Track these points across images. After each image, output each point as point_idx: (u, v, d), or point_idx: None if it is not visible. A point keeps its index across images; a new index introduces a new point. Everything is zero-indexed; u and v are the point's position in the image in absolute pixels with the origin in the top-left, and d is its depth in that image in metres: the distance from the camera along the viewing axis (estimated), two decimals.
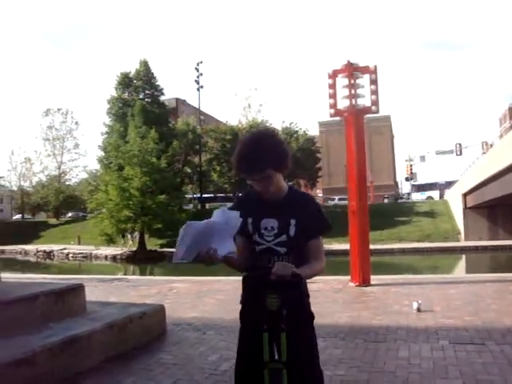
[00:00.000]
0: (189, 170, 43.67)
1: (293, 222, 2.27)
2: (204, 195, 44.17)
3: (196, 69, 42.45)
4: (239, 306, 2.41)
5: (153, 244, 35.03)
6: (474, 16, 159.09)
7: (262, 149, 2.19)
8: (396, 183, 79.80)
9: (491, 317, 6.12)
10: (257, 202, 2.32)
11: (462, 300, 7.34)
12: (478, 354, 4.55)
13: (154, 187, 31.66)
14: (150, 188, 31.59)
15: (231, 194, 42.98)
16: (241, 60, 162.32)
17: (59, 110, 55.01)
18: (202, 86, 42.81)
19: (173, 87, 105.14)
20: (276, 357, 2.10)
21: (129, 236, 34.26)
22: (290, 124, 43.78)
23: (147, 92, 41.89)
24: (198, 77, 42.46)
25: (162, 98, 43.09)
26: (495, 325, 5.67)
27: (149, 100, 41.18)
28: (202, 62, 42.85)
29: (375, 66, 9.88)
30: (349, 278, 9.61)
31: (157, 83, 42.30)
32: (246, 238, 2.32)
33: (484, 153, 31.82)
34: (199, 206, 43.42)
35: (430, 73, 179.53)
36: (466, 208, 33.19)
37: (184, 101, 60.85)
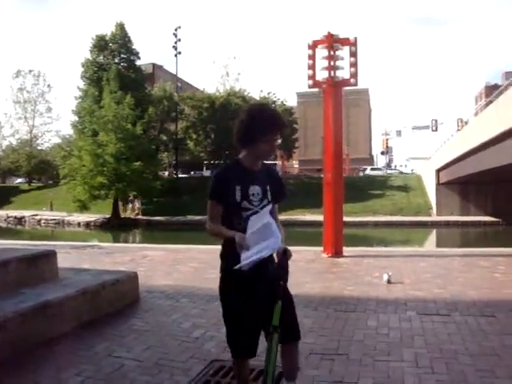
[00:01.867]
0: (164, 138, 43.19)
1: (269, 188, 2.64)
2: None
3: (174, 34, 41.66)
4: (213, 275, 2.50)
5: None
6: None
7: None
8: (371, 157, 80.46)
9: (458, 289, 6.30)
10: (243, 172, 2.58)
11: (431, 273, 7.52)
12: (443, 325, 4.71)
13: (129, 154, 31.31)
14: (124, 155, 31.24)
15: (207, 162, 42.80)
16: (220, 27, 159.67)
17: (31, 71, 53.35)
18: (179, 52, 42.11)
19: (150, 52, 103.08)
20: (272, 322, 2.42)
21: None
22: (268, 94, 43.38)
23: (123, 56, 40.90)
24: (175, 42, 41.70)
25: (139, 63, 42.18)
26: (461, 297, 5.85)
27: (125, 64, 40.28)
28: (180, 28, 42.06)
29: (355, 38, 9.82)
30: (321, 249, 9.73)
31: (133, 47, 41.35)
32: (231, 206, 2.54)
33: (459, 130, 32.27)
34: (174, 174, 43.25)
35: (411, 48, 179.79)
36: (438, 184, 33.78)
37: (161, 66, 59.75)
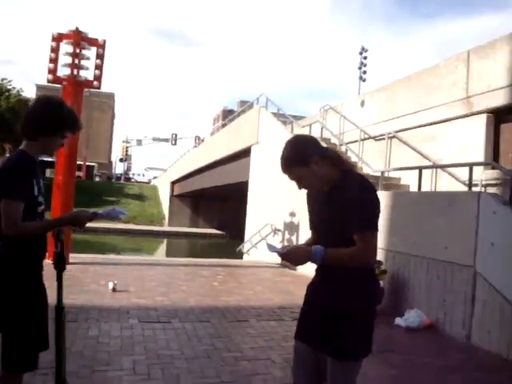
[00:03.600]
0: None
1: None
2: None
3: None
4: None
5: None
6: (212, 18, 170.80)
7: None
8: (111, 163, 79.51)
9: (180, 297, 6.66)
10: (33, 165, 2.38)
11: (156, 281, 7.77)
12: (163, 332, 4.90)
13: None
14: None
15: None
16: None
17: None
18: None
19: None
20: None
21: None
22: (2, 80, 39.09)
23: None
24: None
25: None
26: (182, 304, 6.19)
27: None
28: None
29: (104, 41, 9.62)
30: None
31: None
32: (30, 201, 2.30)
33: (195, 146, 34.30)
34: None
35: (162, 62, 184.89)
36: (172, 195, 35.34)
37: None
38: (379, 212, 2.10)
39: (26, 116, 2.44)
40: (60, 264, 2.54)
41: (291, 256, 2.07)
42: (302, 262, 2.07)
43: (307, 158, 2.11)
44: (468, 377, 4.22)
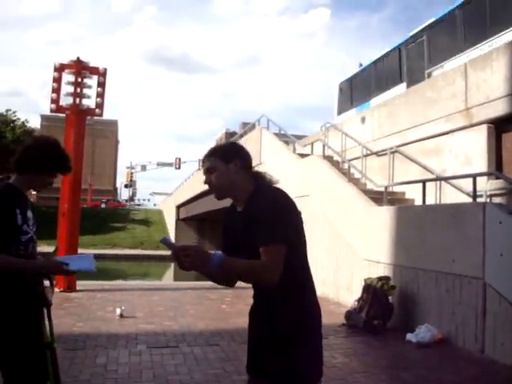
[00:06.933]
0: None
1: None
2: None
3: None
4: None
5: None
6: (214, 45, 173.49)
7: None
8: (115, 189, 79.79)
9: (188, 321, 6.60)
10: (19, 195, 2.46)
11: (164, 306, 7.71)
12: (171, 356, 4.85)
13: None
14: None
15: None
16: None
17: None
18: None
19: None
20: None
21: None
22: (7, 112, 39.54)
23: None
24: None
25: None
26: (190, 328, 6.14)
27: None
28: None
29: (105, 69, 9.76)
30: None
31: None
32: (12, 230, 2.34)
33: (198, 169, 34.36)
34: None
35: (159, 87, 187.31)
36: (178, 219, 35.33)
37: None
38: (292, 226, 1.97)
39: (21, 151, 2.49)
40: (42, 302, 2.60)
41: (190, 254, 1.80)
42: (199, 265, 1.83)
43: (230, 157, 2.07)
44: None
